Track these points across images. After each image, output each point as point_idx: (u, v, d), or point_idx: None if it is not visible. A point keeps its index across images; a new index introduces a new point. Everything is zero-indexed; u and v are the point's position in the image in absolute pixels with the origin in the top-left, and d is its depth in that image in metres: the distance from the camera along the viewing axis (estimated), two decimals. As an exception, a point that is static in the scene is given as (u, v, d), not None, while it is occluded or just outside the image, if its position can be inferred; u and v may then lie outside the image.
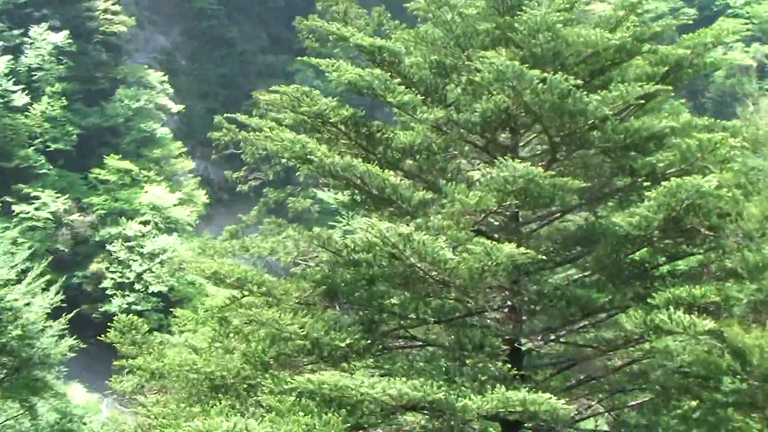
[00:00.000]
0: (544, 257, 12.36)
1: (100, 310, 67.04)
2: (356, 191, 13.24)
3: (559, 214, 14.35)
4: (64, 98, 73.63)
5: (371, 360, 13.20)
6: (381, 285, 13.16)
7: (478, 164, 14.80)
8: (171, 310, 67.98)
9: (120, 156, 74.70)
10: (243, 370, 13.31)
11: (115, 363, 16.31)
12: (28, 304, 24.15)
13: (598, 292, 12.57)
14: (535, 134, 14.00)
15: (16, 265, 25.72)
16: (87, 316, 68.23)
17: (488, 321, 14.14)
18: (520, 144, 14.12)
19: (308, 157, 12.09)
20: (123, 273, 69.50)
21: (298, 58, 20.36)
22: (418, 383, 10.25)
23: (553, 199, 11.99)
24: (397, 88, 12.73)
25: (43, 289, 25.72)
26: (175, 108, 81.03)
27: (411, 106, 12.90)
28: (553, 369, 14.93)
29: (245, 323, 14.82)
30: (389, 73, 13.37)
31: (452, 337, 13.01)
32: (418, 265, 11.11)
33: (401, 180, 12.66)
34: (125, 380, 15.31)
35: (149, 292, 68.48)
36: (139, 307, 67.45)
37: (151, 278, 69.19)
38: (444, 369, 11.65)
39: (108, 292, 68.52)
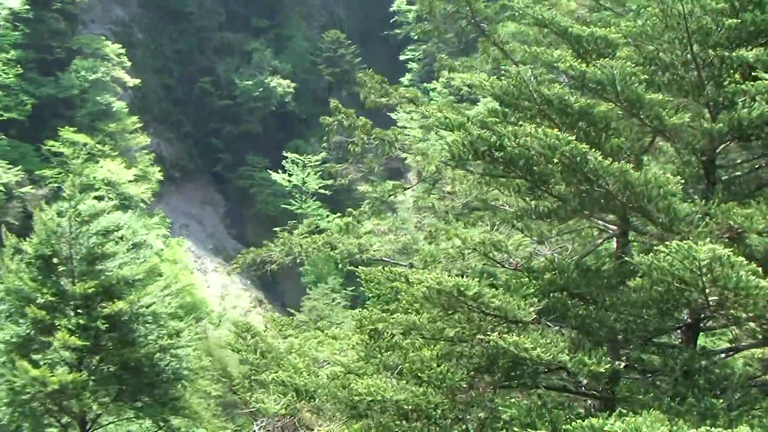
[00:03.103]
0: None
1: (50, 287, 64.61)
2: (584, 198, 11.69)
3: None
4: (18, 66, 70.78)
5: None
6: (609, 307, 11.78)
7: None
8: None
9: (75, 129, 72.15)
10: (431, 395, 11.85)
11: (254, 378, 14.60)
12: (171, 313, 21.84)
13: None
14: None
15: (143, 260, 23.23)
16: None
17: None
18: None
19: (585, 159, 10.52)
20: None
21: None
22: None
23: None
24: (637, 85, 11.31)
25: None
26: (131, 82, 78.58)
27: (653, 107, 11.52)
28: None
29: (401, 334, 13.39)
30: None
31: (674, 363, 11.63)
32: (709, 290, 9.72)
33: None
34: (271, 399, 13.56)
35: (102, 270, 66.13)
36: (91, 285, 65.30)
37: (104, 256, 66.90)
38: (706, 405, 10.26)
39: (59, 268, 65.94)
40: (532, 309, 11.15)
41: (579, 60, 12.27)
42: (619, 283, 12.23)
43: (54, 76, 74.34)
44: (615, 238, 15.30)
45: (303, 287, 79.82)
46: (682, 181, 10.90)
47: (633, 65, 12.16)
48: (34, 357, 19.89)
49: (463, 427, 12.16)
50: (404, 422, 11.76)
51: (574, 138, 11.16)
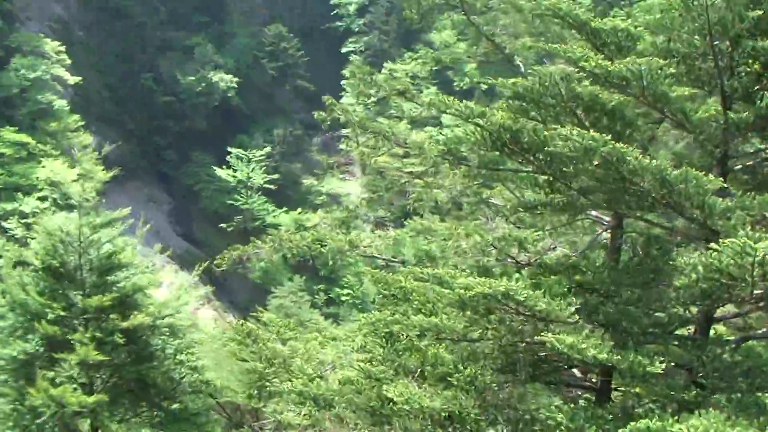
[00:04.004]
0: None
1: (-6, 291, 63.56)
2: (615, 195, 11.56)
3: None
4: (-45, 65, 69.65)
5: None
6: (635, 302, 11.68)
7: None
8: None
9: (15, 128, 70.91)
10: (462, 399, 11.61)
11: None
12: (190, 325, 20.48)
13: None
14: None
15: (154, 265, 21.82)
16: (-21, 298, 64.74)
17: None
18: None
19: (623, 159, 10.36)
20: (20, 251, 65.78)
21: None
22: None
23: None
24: (668, 79, 11.17)
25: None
26: (72, 80, 77.34)
27: (678, 102, 11.40)
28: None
29: (417, 336, 13.13)
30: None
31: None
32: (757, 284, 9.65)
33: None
34: (286, 408, 12.98)
35: (48, 271, 64.98)
36: (37, 288, 64.36)
37: (50, 257, 65.76)
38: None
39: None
40: (573, 309, 10.96)
41: (596, 53, 12.14)
42: (652, 279, 12.10)
43: (-8, 75, 73.09)
44: (609, 230, 15.25)
45: (251, 284, 79.38)
46: (721, 179, 10.79)
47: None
48: (48, 375, 18.76)
49: (497, 430, 11.94)
50: (439, 430, 11.50)
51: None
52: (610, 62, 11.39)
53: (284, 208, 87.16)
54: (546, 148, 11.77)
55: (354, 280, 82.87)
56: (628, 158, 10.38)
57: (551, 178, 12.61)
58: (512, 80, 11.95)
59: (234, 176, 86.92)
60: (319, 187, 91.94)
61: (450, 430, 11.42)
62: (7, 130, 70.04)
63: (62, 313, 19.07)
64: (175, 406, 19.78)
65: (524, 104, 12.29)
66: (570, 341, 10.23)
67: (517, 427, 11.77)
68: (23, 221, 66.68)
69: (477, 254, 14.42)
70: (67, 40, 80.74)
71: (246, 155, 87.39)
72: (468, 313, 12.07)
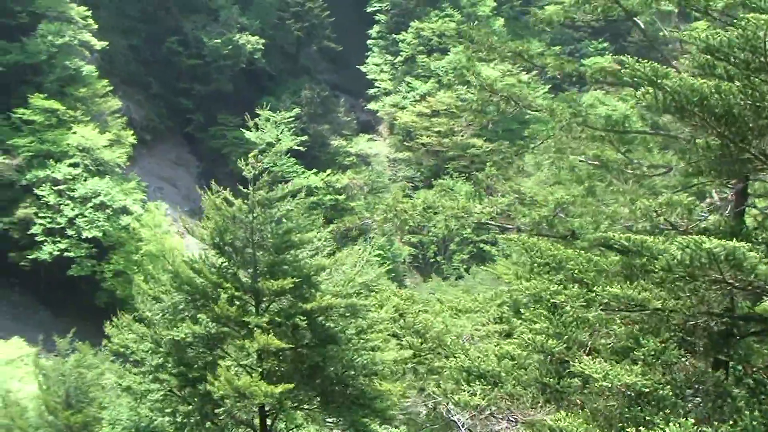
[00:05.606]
0: None
1: (28, 257, 63.42)
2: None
3: None
4: (-20, 33, 68.73)
5: None
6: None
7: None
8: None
9: (44, 95, 70.10)
10: (651, 374, 10.94)
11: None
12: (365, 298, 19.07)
13: None
14: None
15: (323, 240, 20.12)
16: (13, 264, 64.27)
17: None
18: None
19: None
20: (53, 218, 65.58)
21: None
22: None
23: None
24: None
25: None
26: (99, 44, 76.37)
27: None
28: None
29: (583, 306, 12.44)
30: None
31: None
32: None
33: None
34: (458, 388, 12.11)
35: (82, 237, 64.67)
36: (71, 254, 64.21)
37: (83, 223, 65.51)
38: None
39: (37, 238, 64.46)
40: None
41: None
42: None
43: (20, 42, 72.07)
44: (735, 194, 14.63)
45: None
46: None
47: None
48: (225, 362, 17.54)
49: (689, 407, 11.25)
50: (635, 408, 10.80)
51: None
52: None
53: (313, 170, 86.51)
54: (733, 109, 11.14)
55: (383, 241, 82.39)
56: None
57: (725, 140, 11.94)
58: (705, 33, 11.15)
59: (262, 138, 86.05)
60: (347, 147, 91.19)
61: (648, 408, 10.70)
62: (36, 97, 69.23)
63: (236, 293, 17.81)
64: (351, 390, 18.51)
65: (712, 60, 11.57)
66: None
67: (716, 405, 11.09)
68: (55, 188, 66.27)
69: (641, 219, 13.66)
70: (90, 3, 79.63)
71: (274, 117, 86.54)
72: (642, 282, 11.43)
